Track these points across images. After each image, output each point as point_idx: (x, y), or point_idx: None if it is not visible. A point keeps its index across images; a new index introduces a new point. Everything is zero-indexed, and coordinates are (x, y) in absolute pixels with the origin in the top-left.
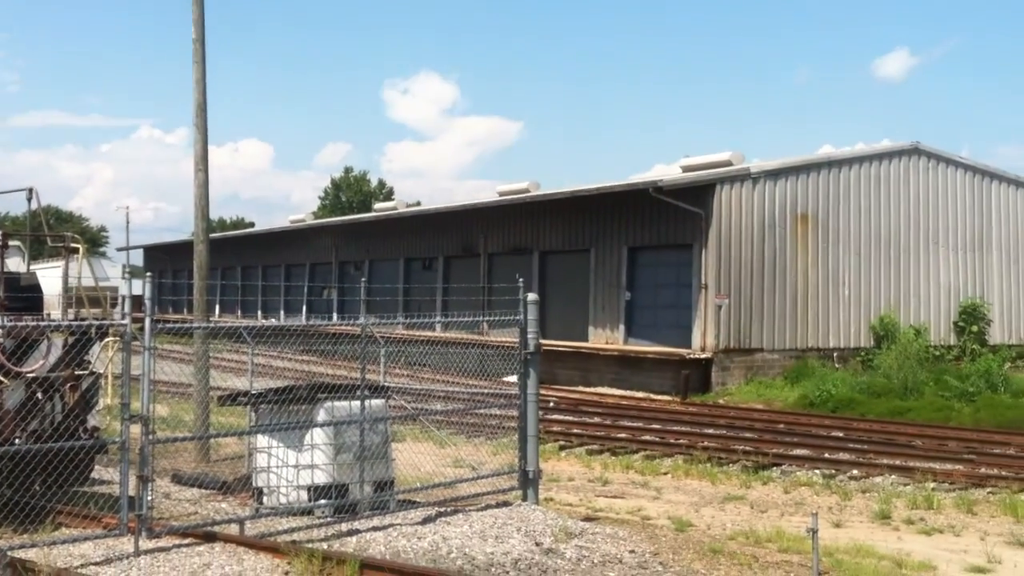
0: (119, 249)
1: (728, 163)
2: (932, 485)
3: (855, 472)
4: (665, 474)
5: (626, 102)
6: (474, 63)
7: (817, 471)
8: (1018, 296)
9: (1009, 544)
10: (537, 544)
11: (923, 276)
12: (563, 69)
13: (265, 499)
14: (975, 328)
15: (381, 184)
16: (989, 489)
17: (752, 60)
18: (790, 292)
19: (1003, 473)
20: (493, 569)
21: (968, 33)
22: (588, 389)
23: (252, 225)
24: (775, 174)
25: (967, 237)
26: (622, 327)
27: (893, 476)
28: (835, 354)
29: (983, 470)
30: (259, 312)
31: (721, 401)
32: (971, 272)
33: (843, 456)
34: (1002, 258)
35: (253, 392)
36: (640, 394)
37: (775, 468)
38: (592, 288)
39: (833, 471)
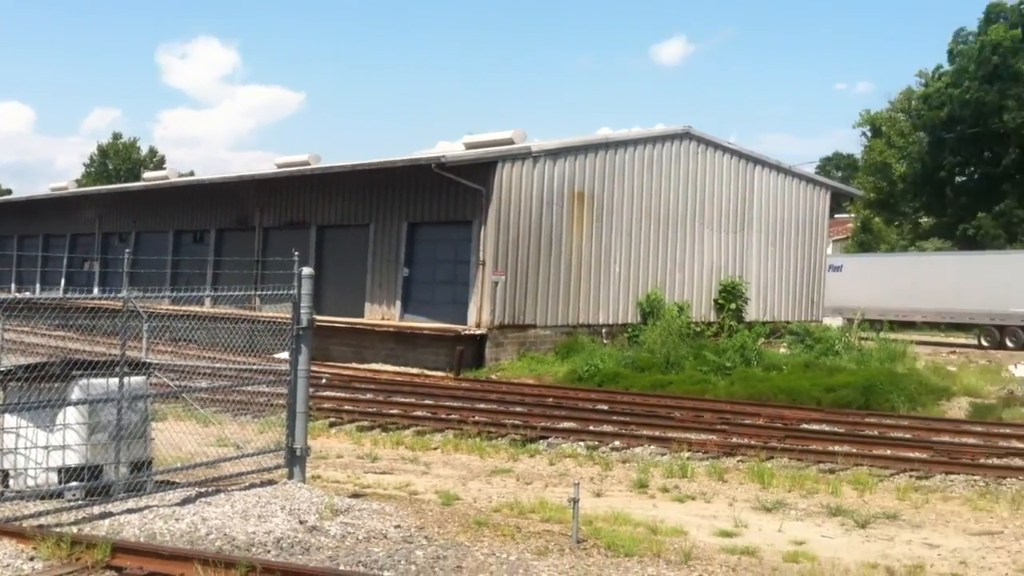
0: None
1: (510, 141)
2: (687, 454)
3: (617, 443)
4: (435, 449)
5: (413, 78)
6: (256, 30)
7: (582, 443)
8: (774, 275)
9: (755, 509)
10: (301, 522)
11: (688, 255)
12: (349, 41)
13: (11, 482)
14: (733, 305)
15: (152, 152)
16: (739, 457)
17: (538, 42)
18: (564, 269)
19: (752, 442)
20: (254, 549)
21: (742, 24)
22: (362, 365)
23: (9, 192)
24: (555, 153)
25: (730, 218)
26: (399, 303)
27: (652, 446)
28: (604, 330)
29: (734, 440)
30: (12, 285)
31: (494, 376)
32: (733, 252)
33: (607, 428)
34: (761, 239)
35: (1, 369)
36: (415, 370)
37: (542, 441)
38: (370, 263)
39: (597, 443)
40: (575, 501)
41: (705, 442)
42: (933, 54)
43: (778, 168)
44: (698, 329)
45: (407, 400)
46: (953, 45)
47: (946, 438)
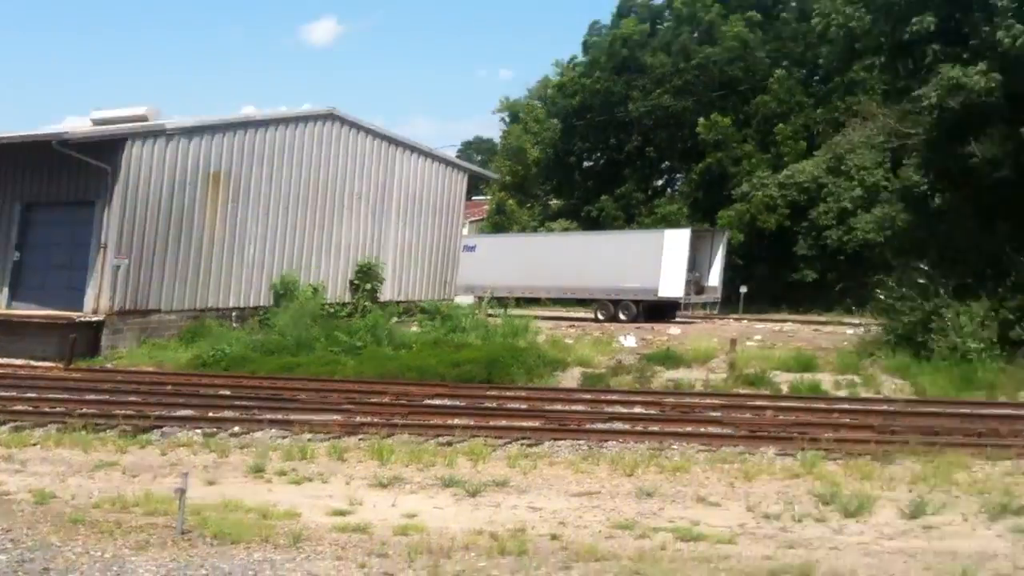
0: None
1: (143, 118)
2: (309, 436)
3: (236, 429)
4: (34, 445)
5: (37, 50)
6: None
7: (199, 430)
8: (410, 255)
9: (372, 486)
10: None
11: (328, 236)
12: None
13: None
14: (369, 286)
15: None
16: (361, 436)
17: (183, 11)
18: (195, 252)
19: (375, 420)
20: None
21: (391, 8)
22: None
23: None
24: (191, 132)
25: (371, 200)
26: (6, 290)
27: (273, 430)
28: (234, 313)
29: (358, 419)
30: None
31: (110, 365)
32: (371, 233)
33: (227, 414)
34: (399, 220)
35: None
36: (20, 361)
37: (156, 431)
38: None
39: (215, 429)
40: (182, 491)
41: (328, 423)
42: (571, 45)
43: (419, 151)
44: (333, 310)
45: (6, 394)
46: (588, 37)
47: (558, 406)
